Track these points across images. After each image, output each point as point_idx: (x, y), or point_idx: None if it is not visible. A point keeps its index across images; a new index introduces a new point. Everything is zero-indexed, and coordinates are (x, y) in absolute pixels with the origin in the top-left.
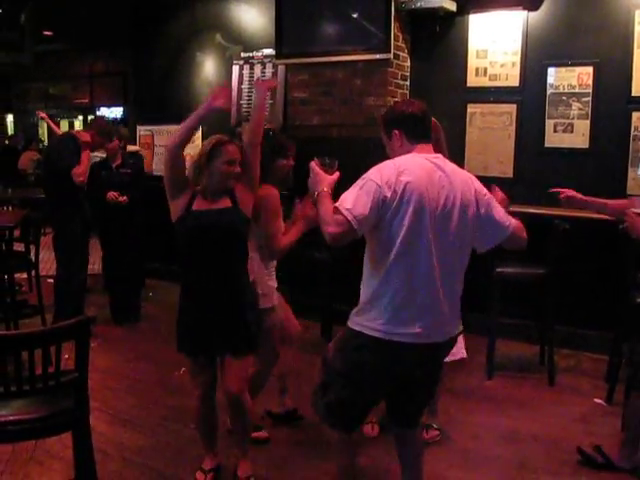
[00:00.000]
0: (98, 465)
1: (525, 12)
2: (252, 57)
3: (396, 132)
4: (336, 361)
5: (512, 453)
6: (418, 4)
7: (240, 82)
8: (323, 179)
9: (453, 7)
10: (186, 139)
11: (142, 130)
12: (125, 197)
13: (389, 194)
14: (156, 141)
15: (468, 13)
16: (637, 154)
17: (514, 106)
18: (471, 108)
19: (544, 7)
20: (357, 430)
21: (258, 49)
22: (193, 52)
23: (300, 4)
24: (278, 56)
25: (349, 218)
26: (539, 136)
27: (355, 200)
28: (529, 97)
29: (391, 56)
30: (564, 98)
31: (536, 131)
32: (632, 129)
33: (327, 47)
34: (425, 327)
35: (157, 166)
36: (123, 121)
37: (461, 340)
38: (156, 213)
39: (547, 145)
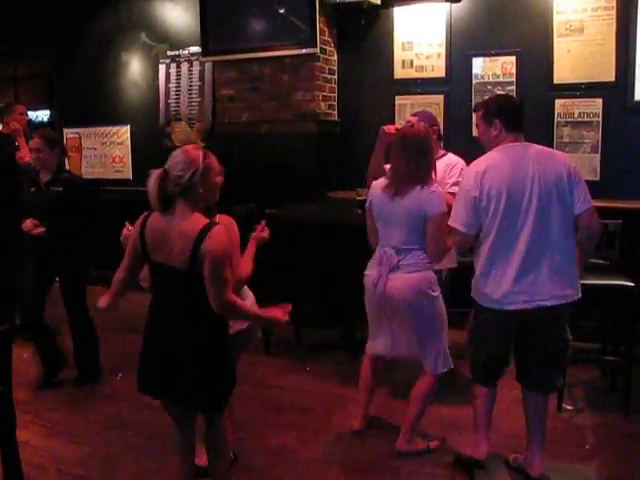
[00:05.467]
0: None
1: (448, 4)
2: (179, 55)
3: (497, 121)
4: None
5: (453, 439)
6: None
7: (167, 81)
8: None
9: (377, 0)
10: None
11: (69, 133)
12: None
13: (477, 194)
14: (84, 144)
15: (392, 6)
16: (561, 140)
17: (441, 97)
18: (399, 100)
19: None
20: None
21: (184, 47)
22: (118, 52)
23: (225, 0)
24: (204, 54)
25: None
26: (467, 125)
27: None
28: (456, 87)
29: (318, 50)
30: (489, 87)
31: (464, 121)
32: (555, 116)
33: (254, 43)
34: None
35: (86, 169)
36: (50, 124)
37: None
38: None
39: (475, 134)
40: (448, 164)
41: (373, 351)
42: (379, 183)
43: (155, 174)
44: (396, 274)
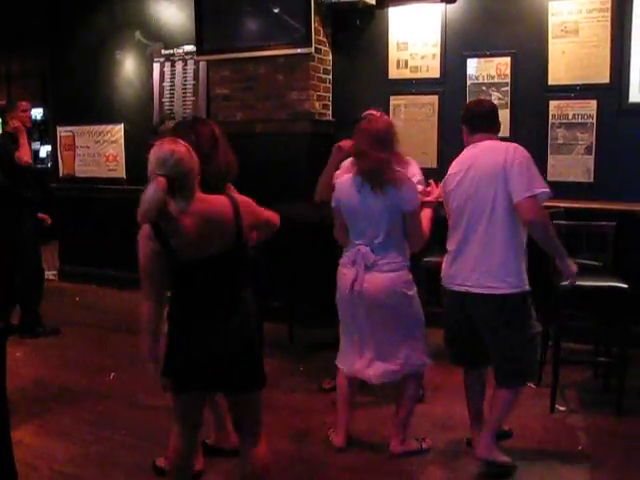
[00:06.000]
0: (26, 479)
1: (443, 4)
2: (173, 54)
3: (463, 127)
4: None
5: (445, 439)
6: None
7: (161, 80)
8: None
9: (372, 0)
10: None
11: (62, 131)
12: None
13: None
14: (77, 142)
15: (388, 6)
16: (555, 141)
17: (436, 97)
18: (394, 100)
19: None
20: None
21: (179, 46)
22: (112, 50)
23: None
24: (199, 53)
25: None
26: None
27: None
28: (450, 88)
29: (312, 50)
30: (484, 88)
31: (458, 121)
32: (550, 117)
33: (248, 42)
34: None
35: (79, 167)
36: (43, 122)
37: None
38: (79, 214)
39: None
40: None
41: (347, 370)
42: (346, 181)
43: (161, 186)
44: (372, 273)
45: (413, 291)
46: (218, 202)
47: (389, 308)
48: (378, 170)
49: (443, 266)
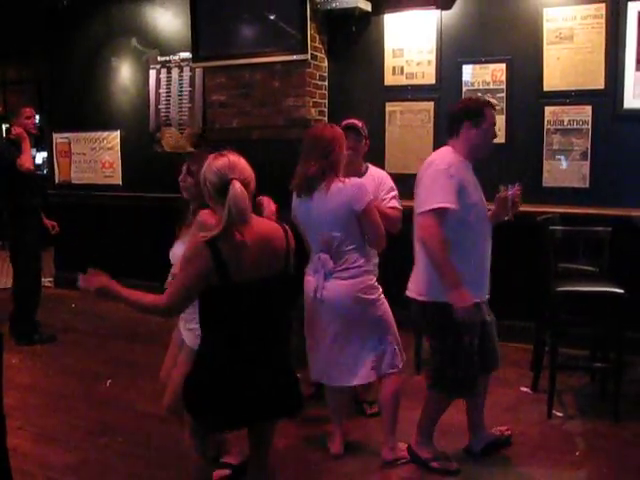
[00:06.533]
0: None
1: (438, 11)
2: (169, 61)
3: None
4: None
5: (443, 445)
6: (334, 4)
7: (157, 87)
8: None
9: (368, 7)
10: None
11: (59, 138)
12: None
13: None
14: (73, 149)
15: (383, 13)
16: (551, 147)
17: (431, 104)
18: (390, 107)
19: (457, 6)
20: None
21: (175, 53)
22: (108, 57)
23: (216, 6)
24: (195, 59)
25: None
26: None
27: None
28: (446, 94)
29: (308, 57)
30: (479, 94)
31: None
32: (545, 123)
33: (244, 49)
34: None
35: (75, 174)
36: (39, 129)
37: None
38: (75, 221)
39: None
40: (376, 180)
41: (325, 380)
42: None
43: (244, 191)
44: (331, 281)
45: (376, 295)
46: (271, 226)
47: (350, 314)
48: (313, 177)
49: None
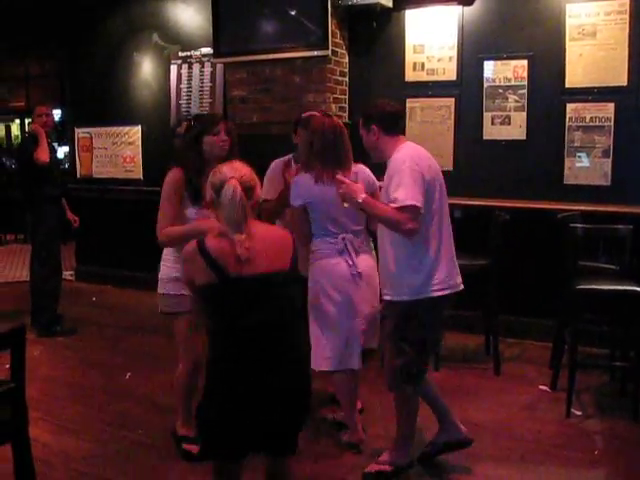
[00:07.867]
0: (42, 477)
1: (460, 7)
2: (190, 56)
3: (374, 127)
4: None
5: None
6: (355, 0)
7: (179, 82)
8: (357, 188)
9: (389, 3)
10: None
11: (80, 132)
12: None
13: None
14: (95, 143)
15: (404, 9)
16: (572, 144)
17: (452, 100)
18: (410, 103)
19: (478, 2)
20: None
21: (196, 48)
22: (130, 52)
23: (237, 2)
24: (216, 55)
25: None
26: (477, 129)
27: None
28: (467, 91)
29: (329, 52)
30: (501, 91)
31: (474, 124)
32: (567, 120)
33: (265, 45)
34: None
35: (97, 168)
36: (61, 124)
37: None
38: (96, 215)
39: (485, 137)
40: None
41: (335, 366)
42: (309, 181)
43: (238, 190)
44: (361, 256)
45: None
46: (276, 229)
47: (376, 282)
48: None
49: None
